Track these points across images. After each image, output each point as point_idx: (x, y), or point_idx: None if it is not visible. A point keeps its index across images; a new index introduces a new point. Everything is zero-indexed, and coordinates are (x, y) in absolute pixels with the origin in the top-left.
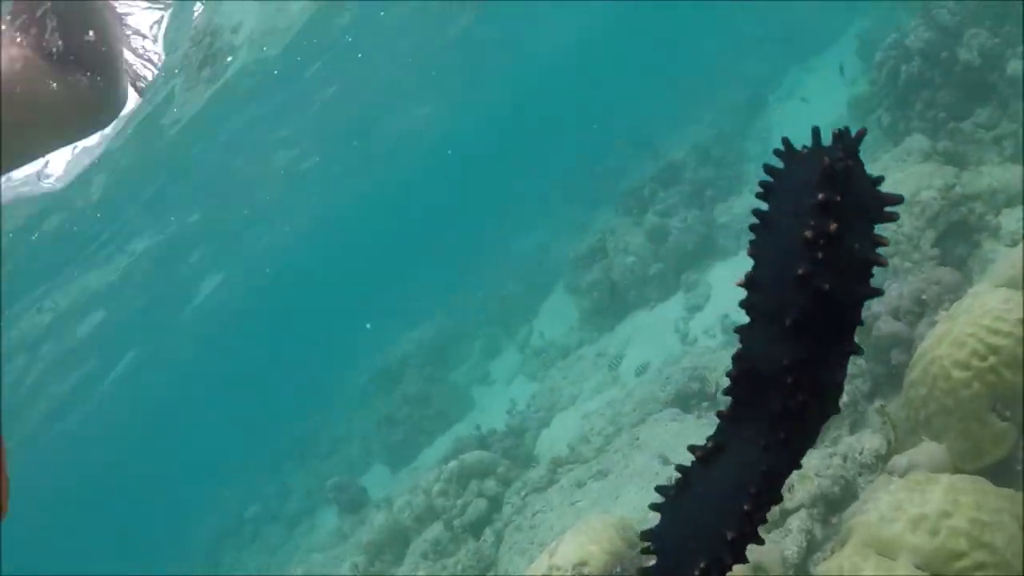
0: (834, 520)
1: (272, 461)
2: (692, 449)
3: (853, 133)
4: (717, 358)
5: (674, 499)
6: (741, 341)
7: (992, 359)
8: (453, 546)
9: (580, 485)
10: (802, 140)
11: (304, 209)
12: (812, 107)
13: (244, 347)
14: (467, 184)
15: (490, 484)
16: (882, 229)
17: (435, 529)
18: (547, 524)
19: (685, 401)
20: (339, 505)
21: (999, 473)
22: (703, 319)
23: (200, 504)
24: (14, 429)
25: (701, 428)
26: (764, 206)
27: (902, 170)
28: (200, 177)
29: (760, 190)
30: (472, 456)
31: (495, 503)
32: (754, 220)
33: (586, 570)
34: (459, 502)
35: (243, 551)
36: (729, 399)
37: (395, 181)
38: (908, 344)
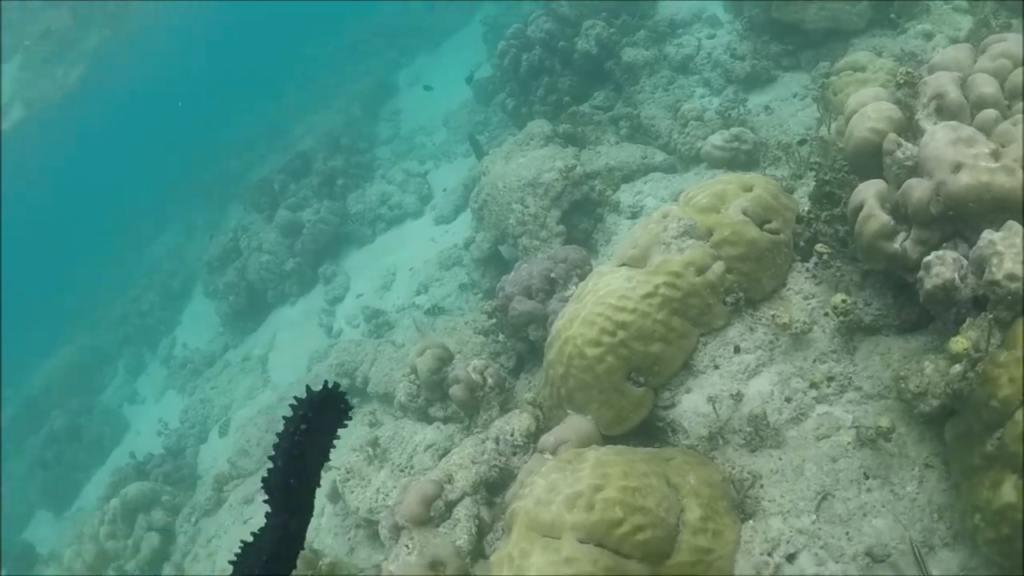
0: (498, 500)
1: None
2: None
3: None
4: (362, 350)
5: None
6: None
7: (621, 334)
8: None
9: (248, 501)
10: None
11: None
12: (439, 92)
13: None
14: (76, 199)
15: (158, 515)
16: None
17: None
18: (225, 548)
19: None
20: (7, 569)
21: (642, 430)
22: (345, 309)
23: None
24: None
25: (354, 425)
26: None
27: (525, 154)
28: None
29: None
30: (133, 489)
31: (168, 534)
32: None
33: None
34: (130, 541)
35: None
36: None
37: None
38: (543, 320)
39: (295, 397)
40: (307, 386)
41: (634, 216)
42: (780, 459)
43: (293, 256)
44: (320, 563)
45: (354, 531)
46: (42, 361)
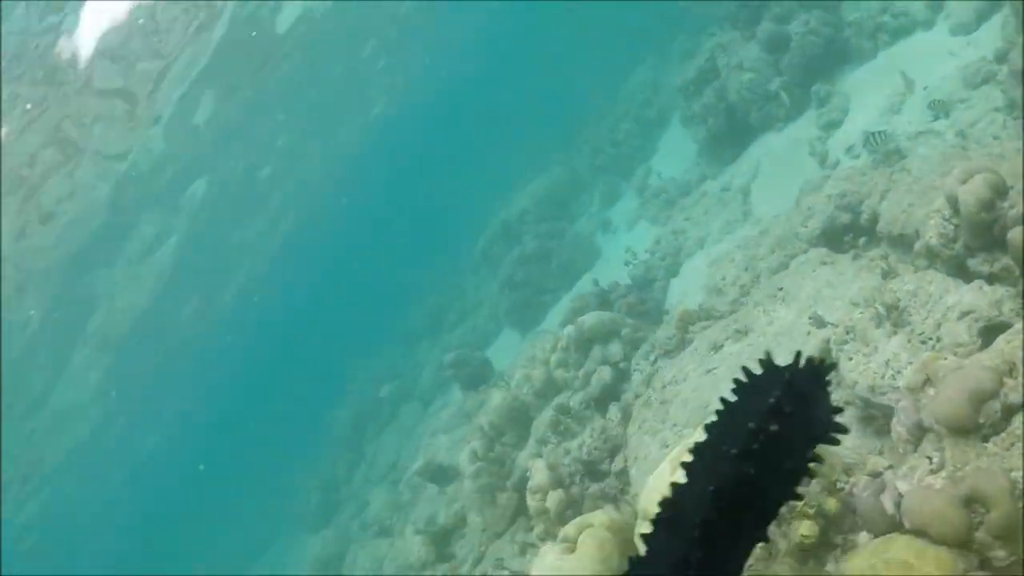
0: None
1: (407, 337)
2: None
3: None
4: (869, 180)
5: None
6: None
7: None
8: (577, 426)
9: (716, 348)
10: None
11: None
12: None
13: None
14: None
15: (614, 348)
16: None
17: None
18: (680, 399)
19: (835, 237)
20: (460, 382)
21: None
22: (843, 136)
23: (339, 386)
24: None
25: (857, 270)
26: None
27: None
28: None
29: (734, 386)
30: (591, 318)
31: (621, 372)
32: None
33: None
34: (580, 372)
35: (382, 432)
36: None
37: None
38: None
39: (744, 370)
40: (766, 357)
41: None
42: None
43: (779, 74)
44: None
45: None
46: (522, 186)
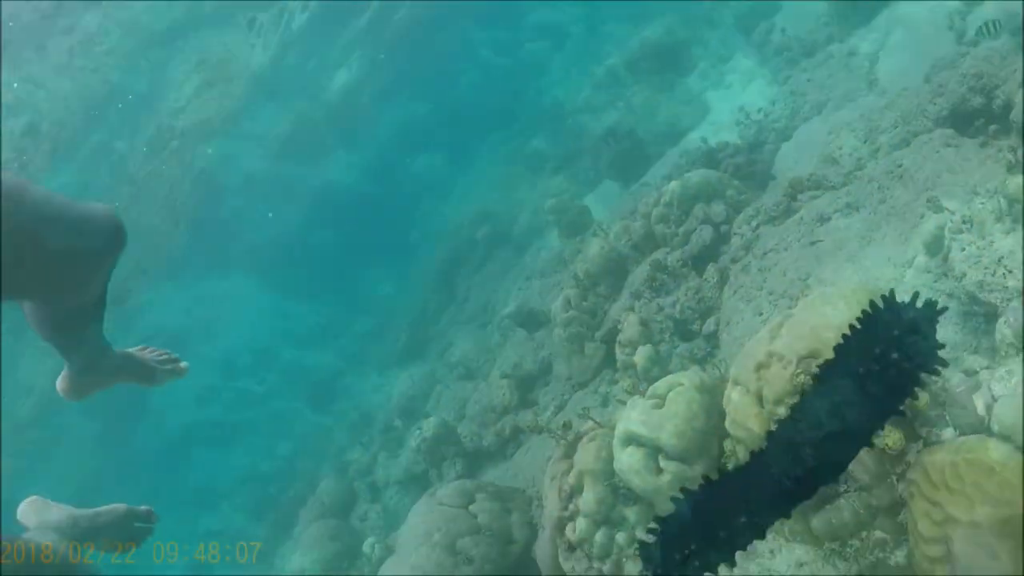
0: None
1: (505, 179)
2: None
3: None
4: (1005, 66)
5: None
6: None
7: None
8: (672, 283)
9: (823, 220)
10: None
11: None
12: None
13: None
14: None
15: (718, 208)
16: None
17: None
18: (780, 268)
19: (964, 120)
20: (559, 228)
21: None
22: (984, 12)
23: (434, 223)
24: None
25: (983, 158)
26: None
27: None
28: None
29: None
30: (697, 175)
31: (721, 233)
32: None
33: (815, 366)
34: (681, 229)
35: (474, 275)
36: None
37: None
38: None
39: (866, 313)
40: (883, 298)
41: None
42: None
43: None
44: None
45: (944, 299)
46: (630, 35)
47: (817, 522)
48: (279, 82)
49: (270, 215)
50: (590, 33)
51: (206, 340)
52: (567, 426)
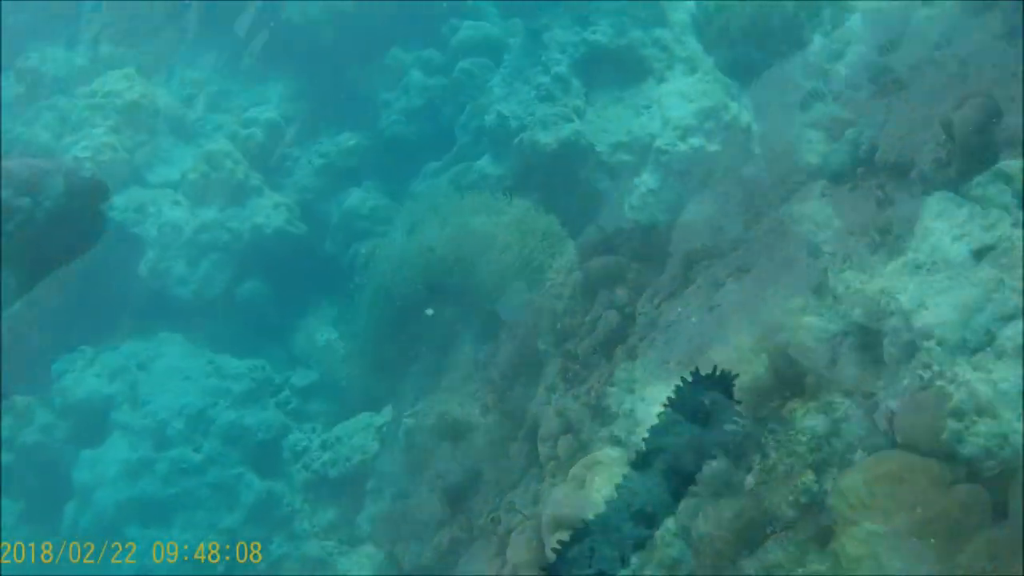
0: None
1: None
2: None
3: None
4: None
5: None
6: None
7: None
8: (584, 371)
9: (718, 286)
10: None
11: None
12: None
13: None
14: None
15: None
16: None
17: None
18: (684, 336)
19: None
20: None
21: None
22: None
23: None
24: None
25: (855, 201)
26: None
27: None
28: None
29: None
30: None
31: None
32: None
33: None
34: (588, 318)
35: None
36: None
37: None
38: None
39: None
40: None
41: None
42: None
43: None
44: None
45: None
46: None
47: (751, 568)
48: (193, 122)
49: (193, 266)
50: (533, 41)
51: (133, 408)
52: (495, 520)
